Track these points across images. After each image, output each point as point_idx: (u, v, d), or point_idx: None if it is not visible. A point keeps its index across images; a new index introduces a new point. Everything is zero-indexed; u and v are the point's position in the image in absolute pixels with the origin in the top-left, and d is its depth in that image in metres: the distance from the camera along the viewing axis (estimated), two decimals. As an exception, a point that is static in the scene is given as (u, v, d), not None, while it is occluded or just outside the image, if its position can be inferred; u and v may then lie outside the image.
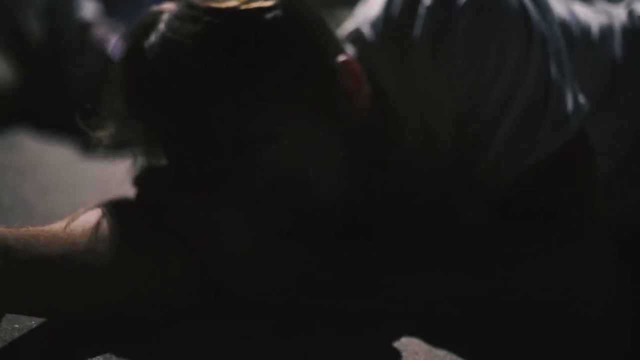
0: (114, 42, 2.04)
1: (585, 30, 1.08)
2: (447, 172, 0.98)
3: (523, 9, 0.93)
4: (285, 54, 0.88)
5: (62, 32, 2.13)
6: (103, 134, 0.90)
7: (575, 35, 1.05)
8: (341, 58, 0.93)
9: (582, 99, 0.93)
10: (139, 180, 0.90)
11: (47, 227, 0.77)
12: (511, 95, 0.90)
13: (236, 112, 0.85)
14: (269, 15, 0.88)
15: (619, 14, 1.14)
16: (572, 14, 1.09)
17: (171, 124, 0.86)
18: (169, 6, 0.90)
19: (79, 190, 1.60)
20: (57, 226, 0.78)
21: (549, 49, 0.93)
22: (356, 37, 1.02)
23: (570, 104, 0.91)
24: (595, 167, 0.93)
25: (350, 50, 1.01)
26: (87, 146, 0.93)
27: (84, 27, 2.13)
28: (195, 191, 0.87)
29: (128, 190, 0.90)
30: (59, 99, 2.27)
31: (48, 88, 2.27)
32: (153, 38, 0.87)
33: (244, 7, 0.87)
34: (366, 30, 1.00)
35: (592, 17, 1.11)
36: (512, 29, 0.92)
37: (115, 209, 0.85)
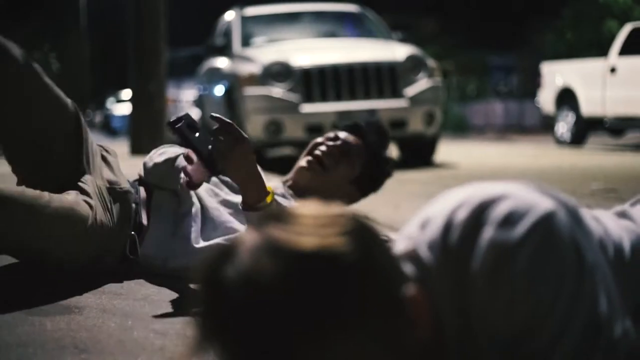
0: None
1: (618, 249, 1.14)
2: None
3: (575, 240, 1.01)
4: (357, 295, 0.91)
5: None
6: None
7: (609, 257, 1.12)
8: (409, 290, 0.96)
9: (628, 322, 1.01)
10: None
11: None
12: (566, 323, 0.97)
13: (307, 346, 0.88)
14: (346, 259, 0.91)
15: None
16: (605, 231, 1.16)
17: (244, 353, 0.88)
18: (249, 237, 0.94)
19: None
20: None
21: (597, 278, 1.01)
22: (413, 257, 1.06)
23: (619, 330, 0.99)
24: None
25: (408, 268, 1.05)
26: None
27: None
28: None
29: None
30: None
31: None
32: (232, 271, 0.90)
33: (322, 249, 0.90)
34: (423, 252, 1.05)
35: (622, 234, 1.18)
36: (567, 261, 0.99)
37: None
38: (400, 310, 0.94)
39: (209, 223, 2.42)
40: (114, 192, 2.39)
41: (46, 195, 2.20)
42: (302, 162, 2.60)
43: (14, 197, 2.13)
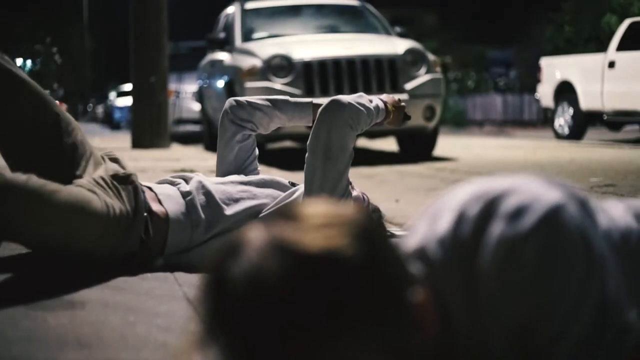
0: None
1: (625, 237, 1.14)
2: None
3: (584, 231, 1.01)
4: (360, 298, 0.90)
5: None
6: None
7: (617, 245, 1.12)
8: (415, 293, 0.96)
9: (634, 314, 1.01)
10: None
11: None
12: (575, 311, 0.98)
13: (308, 346, 0.88)
14: (350, 261, 0.90)
15: None
16: (611, 220, 1.15)
17: (245, 351, 0.89)
18: (254, 235, 0.94)
19: None
20: None
21: (606, 269, 1.01)
22: (422, 254, 1.06)
23: (629, 317, 1.00)
24: None
25: (416, 266, 1.05)
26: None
27: None
28: None
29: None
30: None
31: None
32: (237, 269, 0.90)
33: (326, 251, 0.90)
34: (432, 249, 1.05)
35: (631, 223, 1.17)
36: (575, 252, 1.00)
37: None
38: (405, 313, 0.94)
39: (219, 195, 2.56)
40: (118, 178, 2.41)
41: (54, 184, 2.19)
42: None
43: (17, 182, 2.12)
